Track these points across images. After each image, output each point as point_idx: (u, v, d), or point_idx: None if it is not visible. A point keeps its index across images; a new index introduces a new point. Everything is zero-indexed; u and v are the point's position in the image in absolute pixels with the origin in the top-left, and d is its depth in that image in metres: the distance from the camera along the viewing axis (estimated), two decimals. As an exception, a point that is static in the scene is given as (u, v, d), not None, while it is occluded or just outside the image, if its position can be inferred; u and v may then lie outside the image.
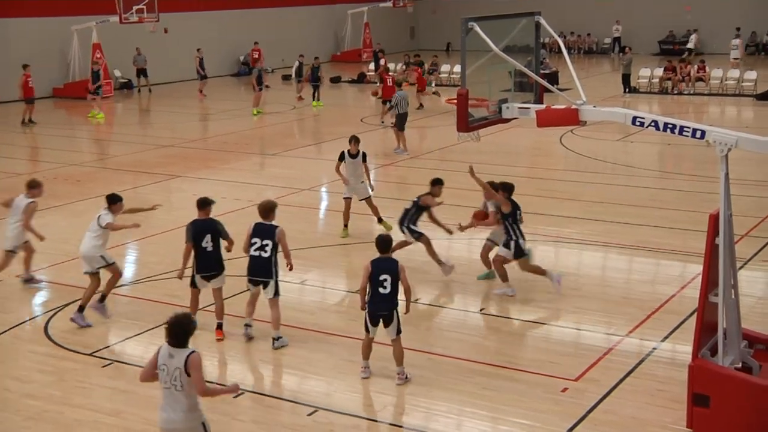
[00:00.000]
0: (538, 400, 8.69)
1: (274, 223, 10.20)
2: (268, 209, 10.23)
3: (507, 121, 9.43)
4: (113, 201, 11.20)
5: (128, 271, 13.29)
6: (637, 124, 8.32)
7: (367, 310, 9.05)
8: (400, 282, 9.01)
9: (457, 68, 34.40)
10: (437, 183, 12.53)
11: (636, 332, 10.37)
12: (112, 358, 9.86)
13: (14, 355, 10.12)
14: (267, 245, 9.99)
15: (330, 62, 45.18)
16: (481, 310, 11.26)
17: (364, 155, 14.45)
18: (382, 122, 25.48)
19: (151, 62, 35.07)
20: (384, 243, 9.21)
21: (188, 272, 10.39)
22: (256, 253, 10.01)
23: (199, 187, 18.21)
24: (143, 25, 32.92)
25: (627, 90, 31.57)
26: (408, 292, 9.12)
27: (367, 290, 9.06)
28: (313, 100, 30.17)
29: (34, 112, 27.44)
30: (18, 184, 19.10)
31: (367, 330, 9.12)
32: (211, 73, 34.59)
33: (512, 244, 11.46)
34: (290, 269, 10.30)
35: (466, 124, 8.87)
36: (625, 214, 15.44)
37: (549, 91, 9.57)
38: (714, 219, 7.85)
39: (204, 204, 10.42)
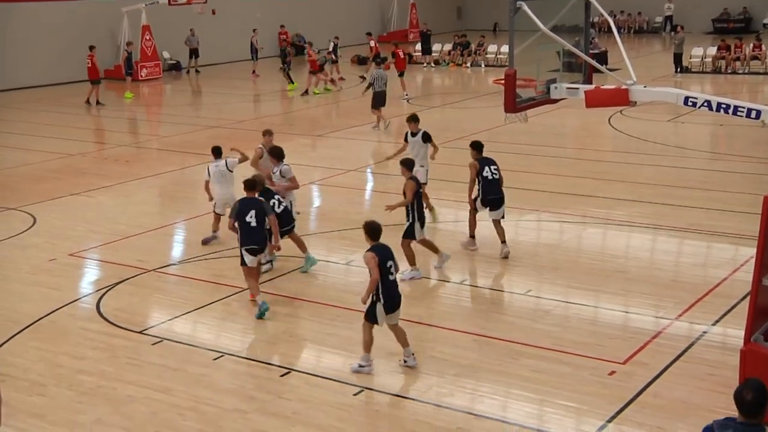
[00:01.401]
0: (585, 382, 8.62)
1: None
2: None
3: (555, 101, 9.35)
4: (219, 152, 13.14)
5: (176, 251, 13.49)
6: (690, 104, 8.18)
7: (382, 302, 8.67)
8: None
9: (505, 48, 34.10)
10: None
11: (686, 316, 10.22)
12: (161, 336, 10.02)
13: (67, 332, 10.34)
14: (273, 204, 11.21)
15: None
16: (527, 292, 11.20)
17: (426, 134, 13.91)
18: (406, 96, 26.93)
19: (200, 44, 35.36)
20: (377, 230, 8.96)
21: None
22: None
23: (246, 169, 18.36)
24: (191, 6, 33.19)
25: (679, 70, 30.97)
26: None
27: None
28: (291, 82, 29.72)
29: (99, 93, 27.89)
30: (69, 164, 19.53)
31: (377, 322, 8.74)
32: (259, 54, 34.77)
33: (406, 225, 11.41)
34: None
35: (513, 104, 8.82)
36: (675, 196, 15.19)
37: (598, 71, 9.44)
38: (769, 201, 7.68)
39: (251, 185, 10.89)
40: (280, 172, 12.31)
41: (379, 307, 8.72)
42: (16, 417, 8.25)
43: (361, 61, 36.24)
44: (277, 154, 12.38)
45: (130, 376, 9.04)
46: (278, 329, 10.19)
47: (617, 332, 9.92)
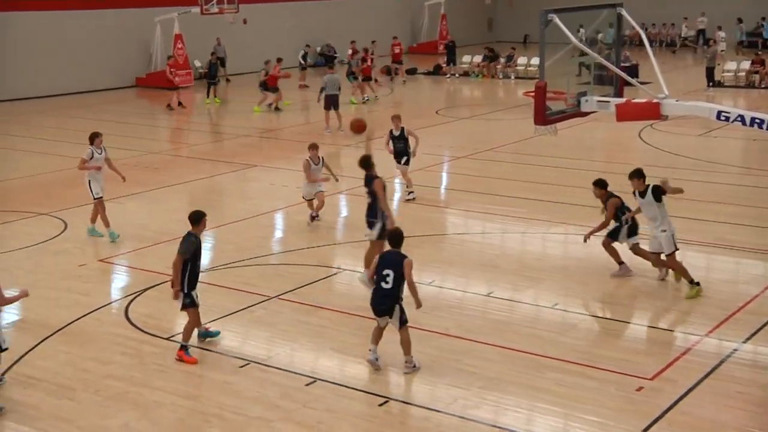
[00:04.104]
0: (612, 398, 8.55)
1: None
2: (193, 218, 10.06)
3: (585, 114, 9.31)
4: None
5: (204, 259, 13.54)
6: (722, 118, 8.09)
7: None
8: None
9: (535, 60, 33.99)
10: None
11: (716, 332, 10.10)
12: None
13: (95, 337, 10.43)
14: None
15: (406, 54, 45.15)
16: (554, 305, 11.13)
17: (656, 189, 12.23)
18: (366, 98, 28.73)
19: (230, 53, 35.62)
20: (394, 238, 9.33)
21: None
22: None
23: (274, 177, 18.47)
24: (223, 15, 33.50)
25: (711, 84, 30.71)
26: None
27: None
28: (207, 97, 29.89)
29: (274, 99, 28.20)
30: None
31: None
32: (287, 63, 34.86)
33: (614, 226, 11.84)
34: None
35: (543, 117, 8.79)
36: (705, 210, 15.04)
37: (629, 84, 9.39)
38: (801, 218, 7.59)
39: (193, 220, 10.05)
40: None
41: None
42: (45, 420, 8.34)
43: (388, 71, 36.04)
44: (94, 137, 14.26)
45: (157, 382, 9.10)
46: (303, 338, 10.21)
47: (645, 348, 9.83)
